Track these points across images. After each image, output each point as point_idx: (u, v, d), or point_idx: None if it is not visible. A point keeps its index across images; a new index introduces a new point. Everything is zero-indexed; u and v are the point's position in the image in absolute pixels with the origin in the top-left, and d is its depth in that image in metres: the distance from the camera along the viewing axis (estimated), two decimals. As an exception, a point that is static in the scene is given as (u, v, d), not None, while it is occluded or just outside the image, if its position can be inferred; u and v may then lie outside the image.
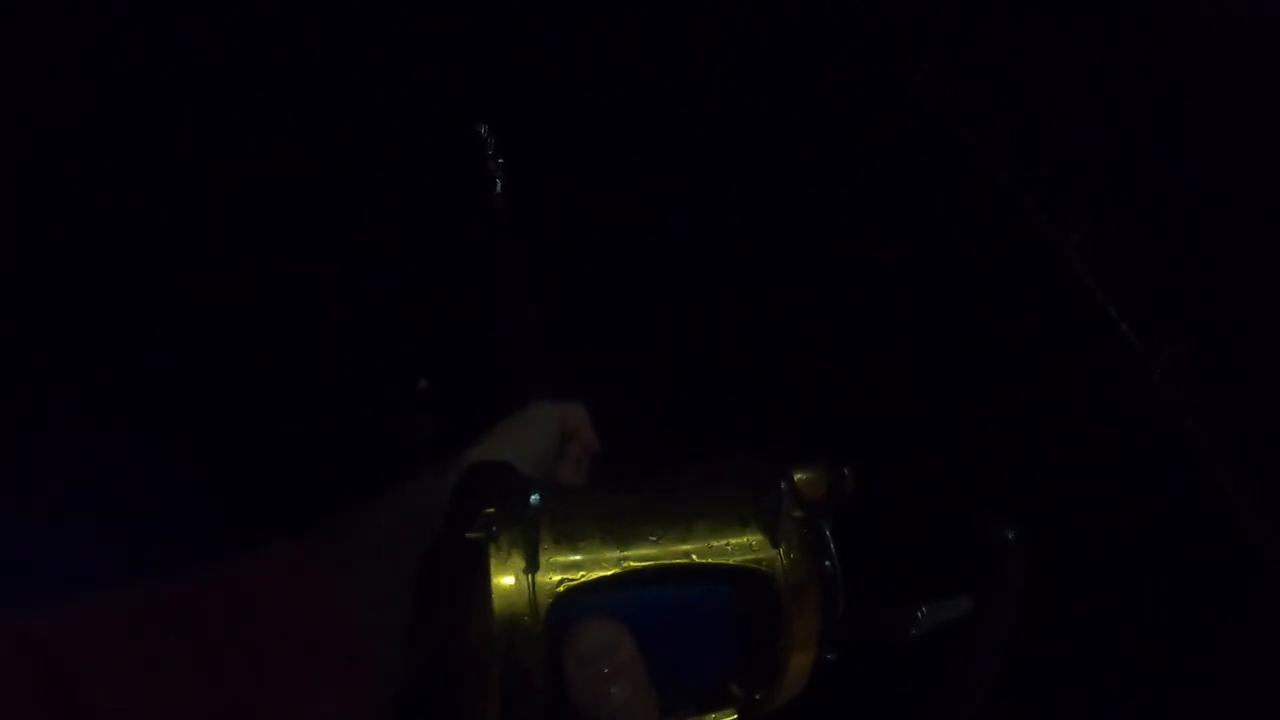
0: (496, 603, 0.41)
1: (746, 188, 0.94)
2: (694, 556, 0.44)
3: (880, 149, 0.85)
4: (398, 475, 0.55)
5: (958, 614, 0.53)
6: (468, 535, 0.43)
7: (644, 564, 0.43)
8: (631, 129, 0.98)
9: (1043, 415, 0.73)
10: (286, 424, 0.99)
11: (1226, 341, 0.71)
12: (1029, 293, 0.74)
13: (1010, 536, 0.54)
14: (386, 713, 0.48)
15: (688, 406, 0.88)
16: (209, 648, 0.43)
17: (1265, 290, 0.71)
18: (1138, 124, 0.77)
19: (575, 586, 0.42)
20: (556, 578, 0.42)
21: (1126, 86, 0.77)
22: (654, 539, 0.44)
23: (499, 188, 0.90)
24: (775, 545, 0.46)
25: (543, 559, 0.42)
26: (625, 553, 0.43)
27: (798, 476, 0.49)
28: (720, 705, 0.47)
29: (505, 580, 0.41)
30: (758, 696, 0.47)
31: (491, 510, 0.42)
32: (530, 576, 0.42)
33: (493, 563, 0.42)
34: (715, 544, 0.45)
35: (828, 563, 0.47)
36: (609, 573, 0.42)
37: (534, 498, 0.41)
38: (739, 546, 0.46)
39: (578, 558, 0.42)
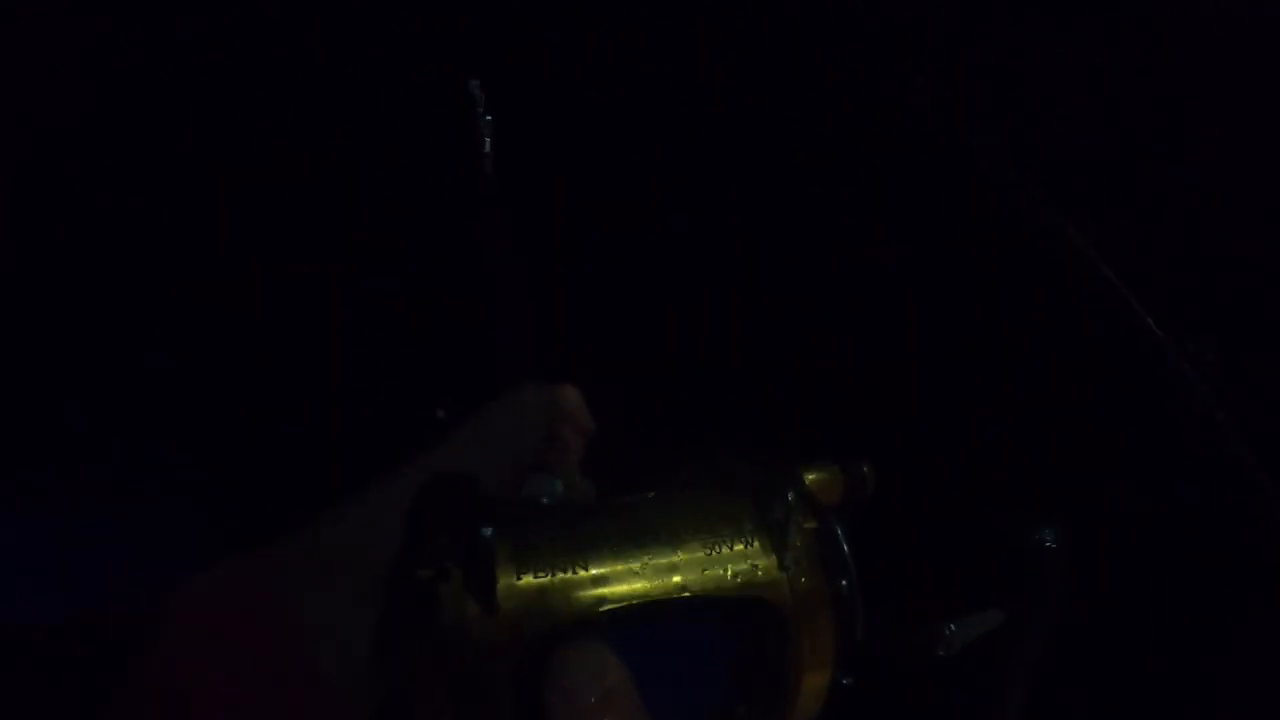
0: (450, 652, 0.35)
1: (746, 188, 0.92)
2: (686, 587, 0.38)
3: (880, 149, 0.82)
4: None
5: (989, 628, 0.47)
6: (419, 574, 0.36)
7: (625, 604, 0.36)
8: (631, 128, 0.94)
9: (1066, 412, 0.69)
10: (287, 422, 0.99)
11: (1255, 334, 0.68)
12: (1047, 286, 0.70)
13: (1048, 540, 0.48)
14: None
15: (686, 401, 0.83)
16: (155, 672, 0.39)
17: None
18: (1143, 120, 0.76)
19: (543, 634, 0.35)
20: (522, 623, 0.35)
21: (1130, 83, 0.76)
22: (637, 569, 0.37)
23: (488, 148, 0.84)
24: (783, 565, 0.39)
25: (504, 596, 0.35)
26: (602, 590, 0.36)
27: (809, 477, 0.42)
28: None
29: (459, 627, 0.35)
30: None
31: (444, 542, 0.36)
32: (490, 621, 0.35)
33: (445, 606, 0.35)
34: (710, 570, 0.38)
35: (845, 582, 0.41)
36: (583, 615, 0.36)
37: (486, 531, 0.34)
38: (739, 570, 0.39)
39: (545, 595, 0.36)
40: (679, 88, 0.92)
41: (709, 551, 0.39)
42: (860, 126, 0.84)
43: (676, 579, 0.38)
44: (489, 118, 0.79)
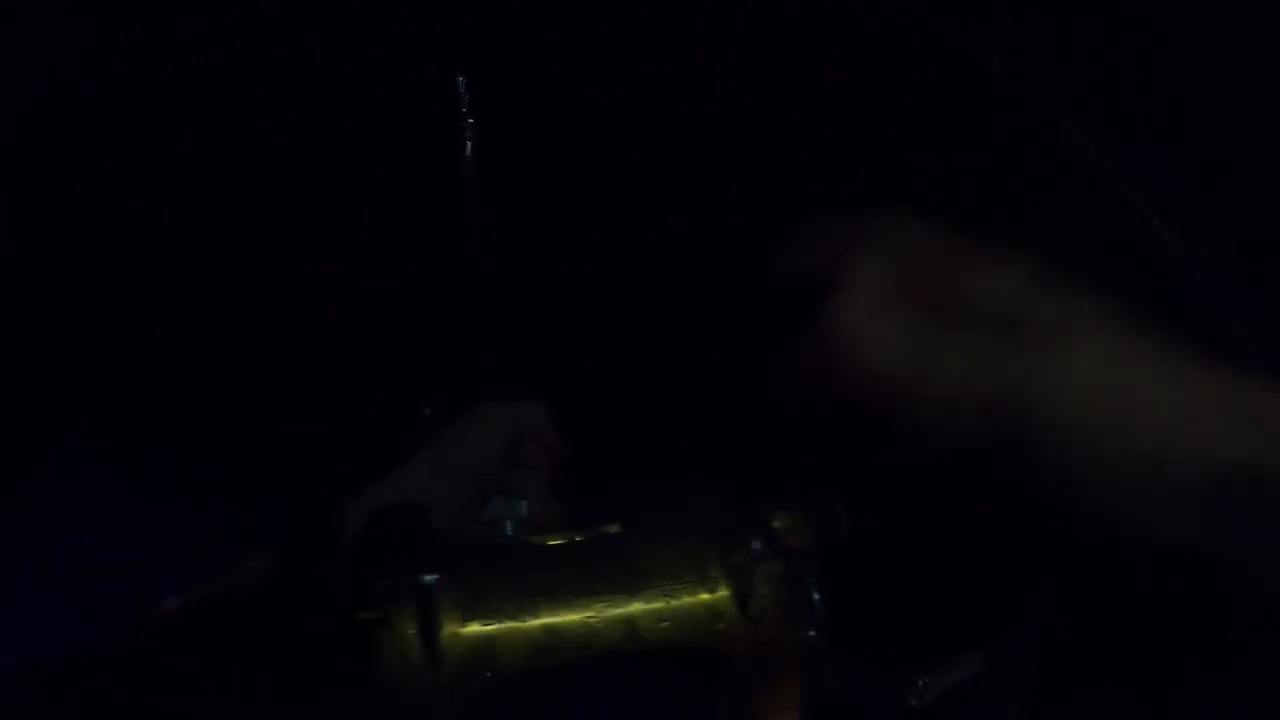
0: (391, 701, 0.33)
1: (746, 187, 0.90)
2: (641, 636, 0.36)
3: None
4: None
5: (967, 676, 0.45)
6: (359, 617, 0.34)
7: (574, 654, 0.35)
8: (624, 127, 0.93)
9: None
10: (286, 423, 0.98)
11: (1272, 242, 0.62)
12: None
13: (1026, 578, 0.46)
14: None
15: (669, 412, 0.81)
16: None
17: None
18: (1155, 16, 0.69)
19: (489, 685, 0.34)
20: (468, 672, 0.34)
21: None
22: (590, 617, 0.36)
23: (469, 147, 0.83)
24: (745, 614, 0.38)
25: (448, 644, 0.34)
26: (553, 640, 0.35)
27: (775, 522, 0.41)
28: None
29: (402, 676, 0.33)
30: None
31: (386, 585, 0.34)
32: (433, 670, 0.33)
33: (387, 653, 0.33)
34: (668, 619, 0.37)
35: (812, 632, 0.39)
36: (530, 664, 0.34)
37: (428, 578, 0.33)
38: (698, 619, 0.37)
39: (492, 643, 0.34)
40: (678, 88, 0.91)
41: (667, 600, 0.37)
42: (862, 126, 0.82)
43: (631, 628, 0.36)
44: (470, 120, 0.77)
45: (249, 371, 0.90)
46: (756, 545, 0.38)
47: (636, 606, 0.37)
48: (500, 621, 0.35)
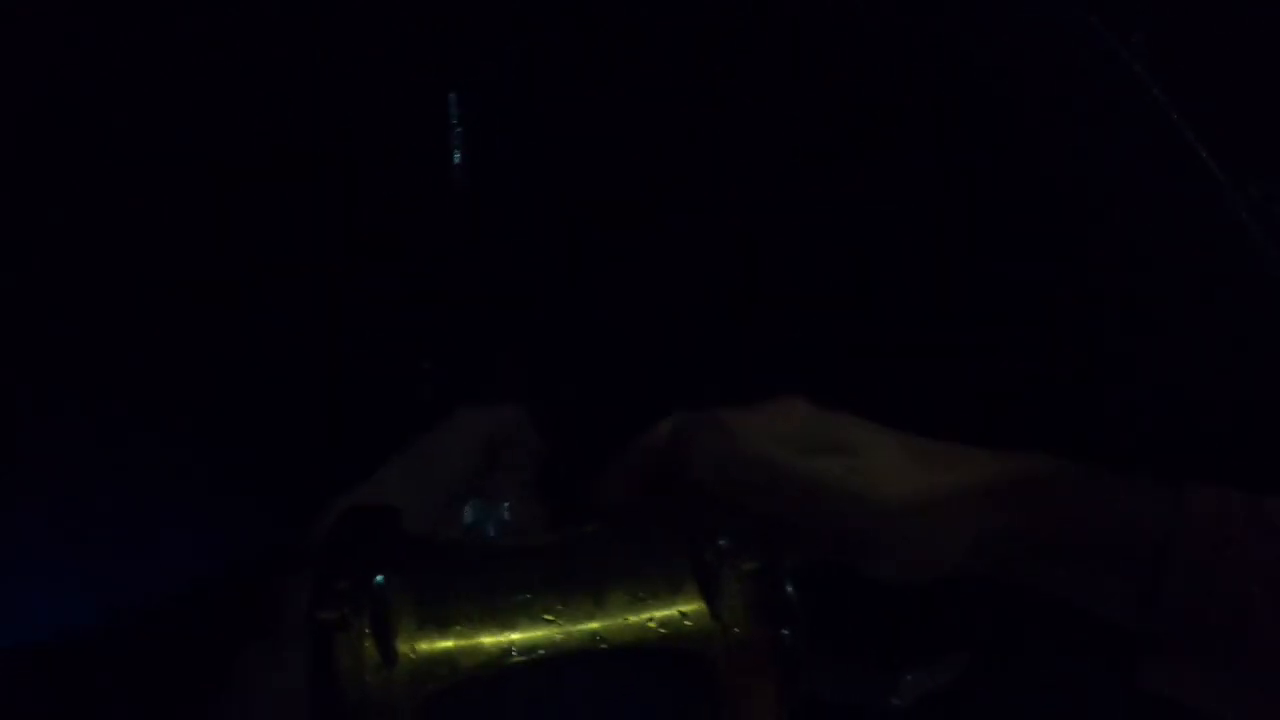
0: (347, 706, 0.33)
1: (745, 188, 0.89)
2: (603, 637, 0.35)
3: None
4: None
5: (951, 676, 0.44)
6: (317, 617, 0.34)
7: (533, 655, 0.34)
8: (621, 127, 0.93)
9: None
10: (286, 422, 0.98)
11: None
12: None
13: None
14: None
15: (648, 413, 0.81)
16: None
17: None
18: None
19: (446, 687, 0.33)
20: (423, 674, 0.33)
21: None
22: (550, 618, 0.35)
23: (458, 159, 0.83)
24: (716, 615, 0.37)
25: (404, 649, 0.33)
26: (511, 637, 0.34)
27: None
28: None
29: (357, 677, 0.33)
30: None
31: (344, 587, 0.34)
32: (388, 672, 0.33)
33: (341, 655, 0.33)
34: (634, 619, 0.36)
35: (786, 632, 0.38)
36: (489, 667, 0.33)
37: (379, 578, 0.32)
38: (665, 618, 0.36)
39: (449, 646, 0.33)
40: (678, 87, 0.90)
41: (633, 598, 0.36)
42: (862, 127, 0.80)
43: (593, 626, 0.35)
44: (460, 129, 0.77)
45: (241, 370, 0.90)
46: (724, 543, 0.37)
47: (600, 605, 0.36)
48: (458, 622, 0.34)
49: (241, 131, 0.96)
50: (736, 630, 0.37)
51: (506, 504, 0.49)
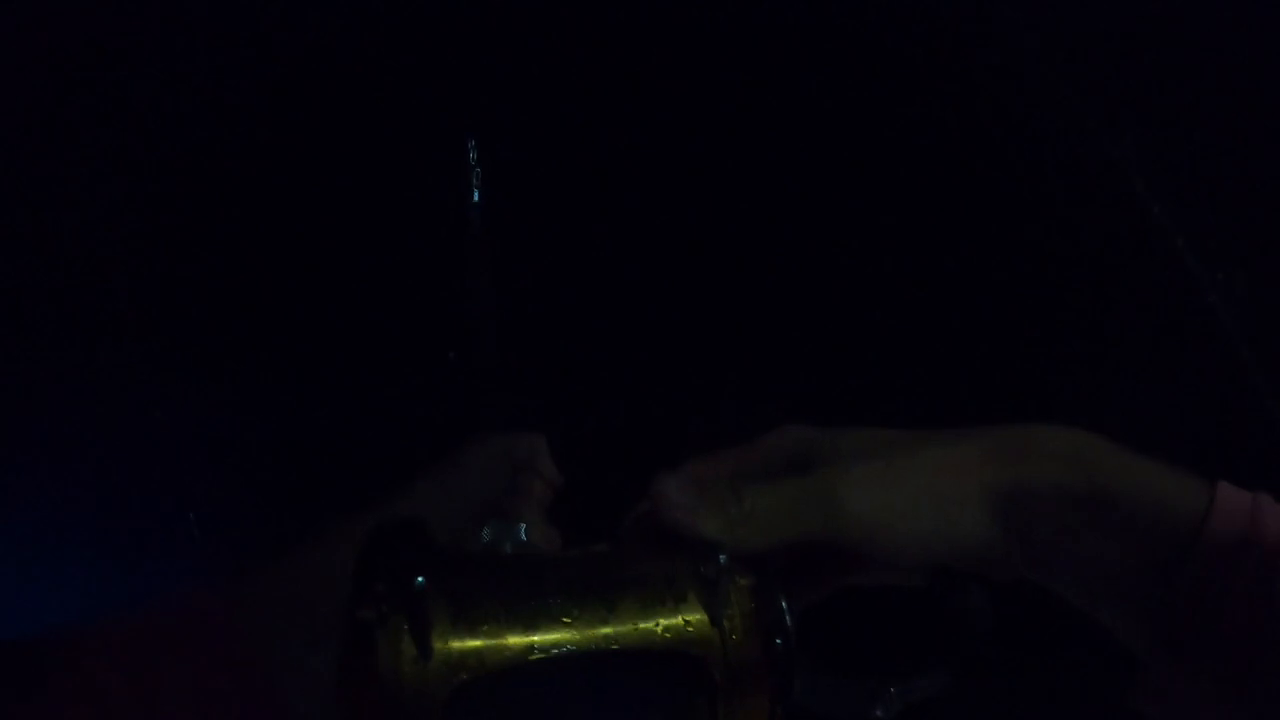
0: (385, 696, 0.36)
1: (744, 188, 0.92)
2: (616, 639, 0.39)
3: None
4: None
5: (935, 691, 0.47)
6: (357, 615, 0.38)
7: (552, 653, 0.38)
8: (619, 127, 0.95)
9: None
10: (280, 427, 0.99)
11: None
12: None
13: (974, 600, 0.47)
14: None
15: (661, 443, 0.84)
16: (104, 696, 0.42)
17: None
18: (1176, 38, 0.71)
19: (474, 679, 0.37)
20: (455, 667, 0.37)
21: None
22: (568, 621, 0.39)
23: (476, 198, 0.87)
24: (715, 622, 0.41)
25: (438, 645, 0.37)
26: (533, 638, 0.38)
27: None
28: None
29: (394, 670, 0.36)
30: None
31: (383, 588, 0.37)
32: (423, 665, 0.37)
33: (381, 649, 0.37)
34: (643, 625, 0.40)
35: (779, 640, 0.42)
36: (513, 662, 0.37)
37: (419, 580, 0.36)
38: (670, 625, 0.40)
39: (478, 643, 0.37)
40: (678, 87, 0.92)
41: (643, 606, 0.40)
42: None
43: (607, 630, 0.39)
44: (479, 169, 0.81)
45: (265, 385, 0.93)
46: (724, 558, 0.41)
47: (614, 611, 0.40)
48: (486, 622, 0.38)
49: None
50: (735, 638, 0.41)
51: (523, 525, 0.53)
